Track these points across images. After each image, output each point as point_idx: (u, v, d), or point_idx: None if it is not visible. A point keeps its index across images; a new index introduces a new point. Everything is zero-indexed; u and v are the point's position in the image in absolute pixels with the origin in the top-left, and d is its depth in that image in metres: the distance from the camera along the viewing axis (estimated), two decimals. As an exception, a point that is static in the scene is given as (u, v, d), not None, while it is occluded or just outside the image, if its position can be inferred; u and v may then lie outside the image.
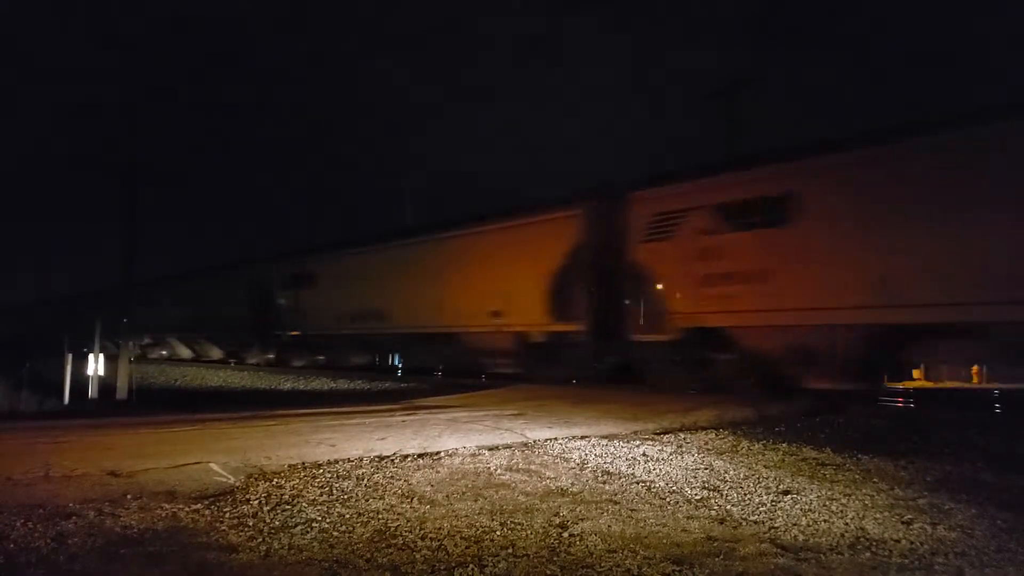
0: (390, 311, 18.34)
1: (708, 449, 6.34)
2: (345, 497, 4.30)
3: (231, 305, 25.56)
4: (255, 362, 24.83)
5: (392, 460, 5.40)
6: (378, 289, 18.78)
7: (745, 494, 4.64)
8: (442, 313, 16.66)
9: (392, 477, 4.86)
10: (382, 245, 19.50)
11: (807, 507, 4.32)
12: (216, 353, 27.99)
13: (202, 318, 27.74)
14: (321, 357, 22.39)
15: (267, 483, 4.59)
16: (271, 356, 24.31)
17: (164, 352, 32.17)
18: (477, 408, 8.95)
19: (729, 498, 4.53)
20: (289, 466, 5.05)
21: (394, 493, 4.44)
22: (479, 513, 4.04)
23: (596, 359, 13.48)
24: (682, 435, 7.16)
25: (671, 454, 5.98)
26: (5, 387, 10.71)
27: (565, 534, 3.68)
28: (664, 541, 3.60)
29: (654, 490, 4.69)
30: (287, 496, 4.29)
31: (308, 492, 4.39)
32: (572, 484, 4.80)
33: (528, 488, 4.67)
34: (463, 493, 4.49)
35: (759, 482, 5.00)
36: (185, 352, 30.48)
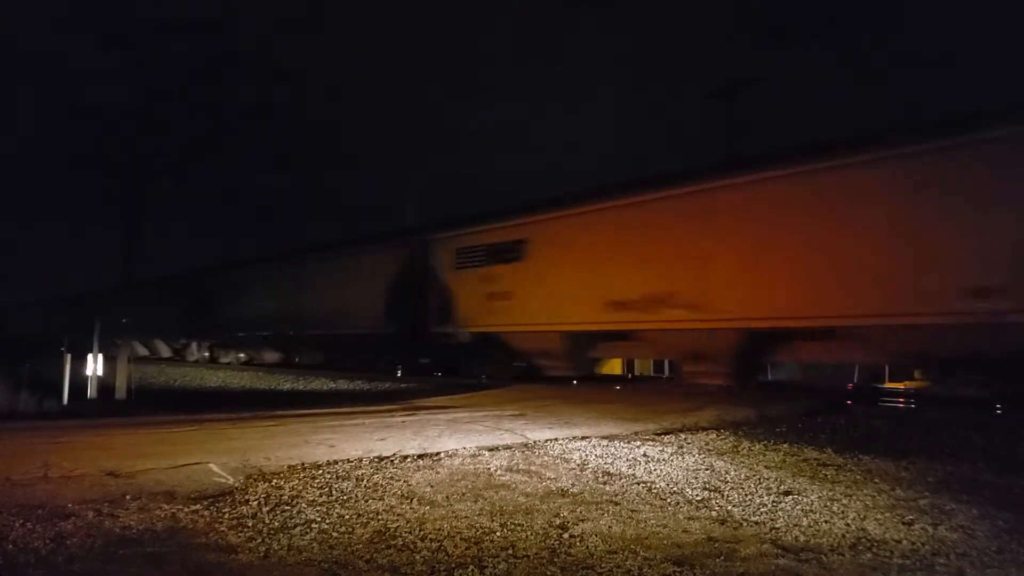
0: (698, 294, 11.21)
1: (709, 450, 6.33)
2: (345, 498, 4.29)
3: (357, 295, 18.69)
4: (401, 372, 18.21)
5: (392, 461, 5.39)
6: (677, 260, 11.57)
7: (746, 495, 4.63)
8: (830, 292, 9.72)
9: (392, 478, 4.85)
10: (696, 185, 11.60)
11: (808, 508, 4.31)
12: (319, 357, 21.84)
13: (305, 313, 20.96)
14: (522, 363, 14.96)
15: (266, 484, 4.58)
16: (426, 361, 17.60)
17: (241, 355, 25.24)
18: (477, 408, 8.95)
19: (730, 499, 4.52)
20: (288, 467, 5.04)
21: (394, 494, 4.43)
22: (479, 514, 4.03)
23: None
24: (683, 435, 7.16)
25: (672, 455, 5.97)
26: (5, 387, 10.70)
27: (565, 535, 3.67)
28: (665, 542, 3.59)
29: (655, 491, 4.68)
30: (286, 497, 4.28)
31: (307, 493, 4.38)
32: (572, 485, 4.79)
33: (528, 489, 4.66)
34: (463, 494, 4.48)
35: (760, 483, 4.99)
36: (271, 356, 23.88)
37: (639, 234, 12.22)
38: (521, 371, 14.73)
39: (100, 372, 11.53)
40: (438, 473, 5.05)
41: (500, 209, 15.85)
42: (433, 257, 16.45)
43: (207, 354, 26.99)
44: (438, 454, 5.68)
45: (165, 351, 30.56)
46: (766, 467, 5.57)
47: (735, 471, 5.36)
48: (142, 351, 31.59)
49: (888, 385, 11.53)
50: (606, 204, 12.90)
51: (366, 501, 4.24)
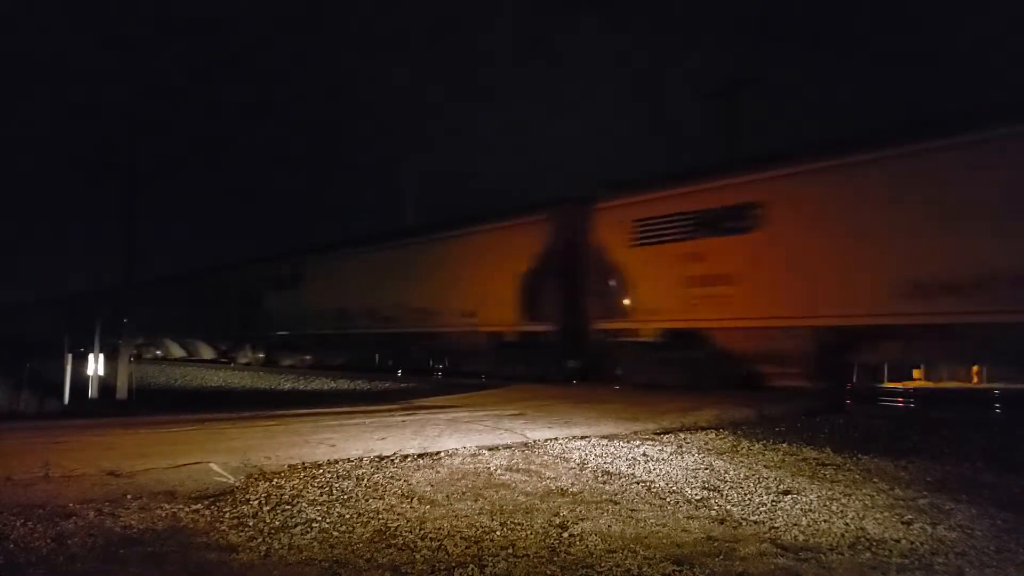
0: None
1: (708, 449, 6.34)
2: (345, 497, 4.31)
3: (476, 284, 15.18)
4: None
5: (392, 460, 5.41)
6: None
7: (745, 494, 4.64)
8: None
9: (392, 477, 4.86)
10: None
11: (807, 507, 4.32)
12: (417, 359, 17.72)
13: (395, 308, 17.23)
14: (736, 370, 11.22)
15: (267, 483, 4.59)
16: (574, 365, 13.68)
17: (307, 358, 21.94)
18: (477, 408, 8.95)
19: (729, 498, 4.53)
20: (289, 466, 5.05)
21: (394, 493, 4.44)
22: (479, 513, 4.04)
23: None
24: (682, 435, 7.16)
25: (671, 454, 5.98)
26: (5, 387, 10.72)
27: (565, 534, 3.68)
28: (664, 541, 3.60)
29: (654, 490, 4.69)
30: (287, 496, 4.29)
31: (308, 492, 4.40)
32: (572, 484, 4.80)
33: (528, 488, 4.67)
34: (463, 493, 4.49)
35: (759, 482, 4.99)
36: (345, 358, 20.25)
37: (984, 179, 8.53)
38: (738, 381, 11.05)
39: (101, 372, 11.54)
40: (438, 472, 5.06)
41: (709, 165, 12.05)
42: (596, 231, 12.65)
43: (262, 355, 23.65)
44: (438, 453, 5.69)
45: (207, 353, 27.38)
46: (765, 466, 5.58)
47: (734, 470, 5.37)
48: (179, 352, 29.24)
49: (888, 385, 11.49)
50: (930, 144, 9.17)
51: (366, 500, 4.25)
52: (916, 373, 11.83)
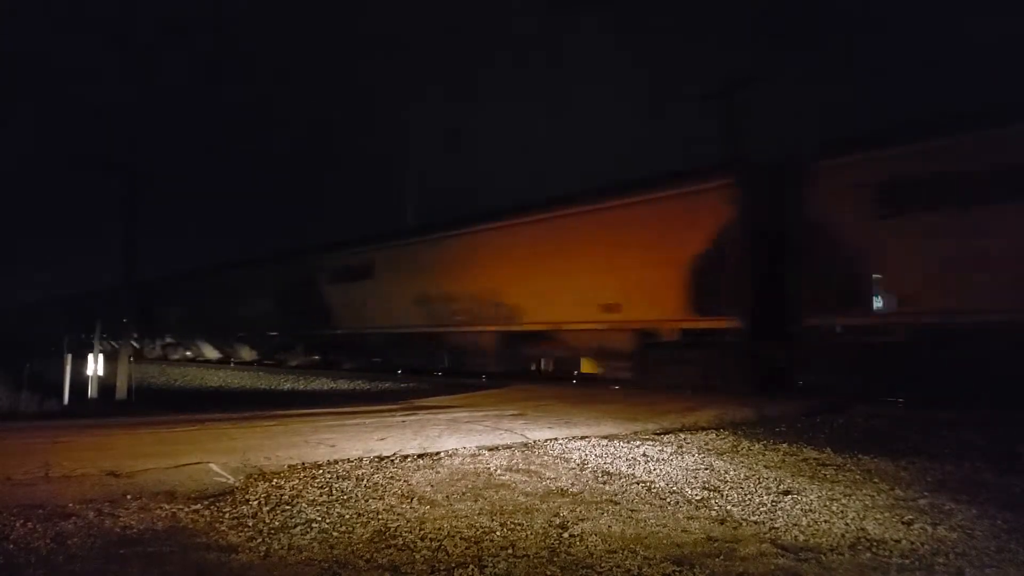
0: None
1: (708, 449, 6.34)
2: (345, 497, 4.30)
3: (627, 268, 12.44)
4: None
5: (392, 460, 5.40)
6: None
7: (745, 494, 4.63)
8: None
9: (392, 477, 4.86)
10: None
11: (807, 507, 4.32)
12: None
13: (490, 304, 14.77)
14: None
15: (267, 483, 4.59)
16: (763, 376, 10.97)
17: (376, 360, 19.53)
18: (477, 408, 8.95)
19: (729, 498, 4.53)
20: (289, 466, 5.05)
21: (394, 493, 4.43)
22: (479, 513, 4.04)
23: None
24: (682, 435, 7.16)
25: (671, 454, 5.98)
26: (5, 387, 10.71)
27: (565, 534, 3.67)
28: (664, 541, 3.60)
29: (654, 490, 4.69)
30: (287, 496, 4.29)
31: (308, 492, 4.39)
32: (572, 484, 4.80)
33: (528, 488, 4.67)
34: (463, 493, 4.48)
35: (759, 482, 4.99)
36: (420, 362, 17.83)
37: None
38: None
39: (101, 372, 11.54)
40: (438, 473, 5.05)
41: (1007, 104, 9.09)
42: (813, 198, 10.10)
43: (318, 356, 21.67)
44: (438, 454, 5.69)
45: (247, 354, 24.81)
46: (765, 467, 5.57)
47: (734, 471, 5.36)
48: (213, 354, 26.72)
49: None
50: None
51: (366, 501, 4.25)
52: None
